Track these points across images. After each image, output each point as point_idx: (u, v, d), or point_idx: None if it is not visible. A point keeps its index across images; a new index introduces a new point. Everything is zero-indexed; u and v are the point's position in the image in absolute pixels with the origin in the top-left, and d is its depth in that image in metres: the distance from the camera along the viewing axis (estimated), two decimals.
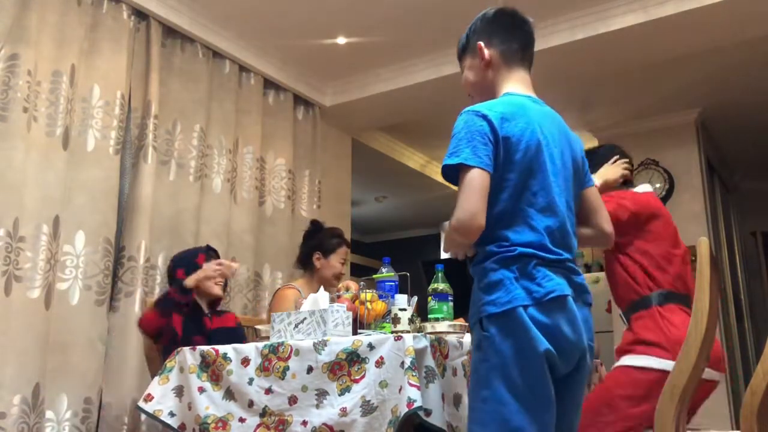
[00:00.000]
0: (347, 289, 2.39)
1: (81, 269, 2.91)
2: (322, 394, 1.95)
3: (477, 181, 1.48)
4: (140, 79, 3.32)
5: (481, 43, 1.71)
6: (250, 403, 2.09)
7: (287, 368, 2.03)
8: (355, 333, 2.15)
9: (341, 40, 3.86)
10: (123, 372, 2.94)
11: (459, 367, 2.00)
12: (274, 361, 2.07)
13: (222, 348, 2.23)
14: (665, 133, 5.00)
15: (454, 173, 1.53)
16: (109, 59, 3.16)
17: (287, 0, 3.46)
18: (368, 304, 2.24)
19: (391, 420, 1.79)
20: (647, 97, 4.74)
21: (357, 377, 1.91)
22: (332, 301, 2.28)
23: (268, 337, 2.27)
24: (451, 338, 2.04)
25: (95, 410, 2.87)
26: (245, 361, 2.15)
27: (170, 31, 3.51)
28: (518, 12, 1.74)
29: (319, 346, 2.00)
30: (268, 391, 2.05)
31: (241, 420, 2.09)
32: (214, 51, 3.72)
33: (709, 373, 2.00)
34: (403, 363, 1.82)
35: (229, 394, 2.15)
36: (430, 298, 2.24)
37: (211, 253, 2.88)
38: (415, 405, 1.73)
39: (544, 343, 1.44)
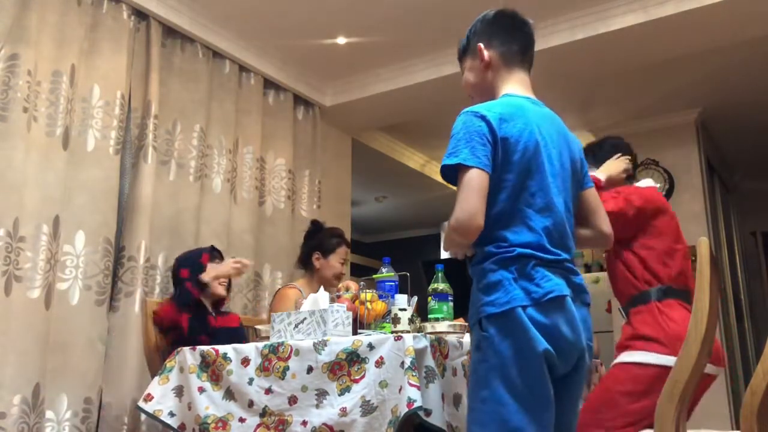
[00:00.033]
0: (347, 289, 2.39)
1: (81, 269, 2.91)
2: (322, 394, 1.95)
3: (476, 181, 1.49)
4: (140, 79, 3.32)
5: (481, 45, 1.71)
6: (250, 403, 2.09)
7: (287, 368, 2.03)
8: (355, 333, 2.15)
9: (341, 40, 3.86)
10: (123, 372, 2.94)
11: (459, 367, 2.00)
12: (274, 361, 2.08)
13: (222, 348, 2.23)
14: (665, 133, 4.99)
15: (453, 173, 1.53)
16: (109, 59, 3.15)
17: (287, 0, 3.46)
18: (368, 304, 2.24)
19: (391, 420, 1.79)
20: (647, 97, 4.74)
21: (357, 377, 1.91)
22: (332, 301, 2.28)
23: (268, 337, 2.27)
24: (451, 338, 2.04)
25: (95, 410, 2.87)
26: (245, 361, 2.15)
27: (170, 31, 3.51)
28: (518, 14, 1.75)
29: (319, 346, 2.00)
30: (268, 391, 2.06)
31: (241, 420, 2.09)
32: (214, 51, 3.72)
33: (708, 368, 2.00)
34: (403, 363, 1.82)
35: (229, 394, 2.16)
36: (430, 298, 2.24)
37: (215, 253, 2.93)
38: (415, 405, 1.73)
39: (543, 343, 1.44)
